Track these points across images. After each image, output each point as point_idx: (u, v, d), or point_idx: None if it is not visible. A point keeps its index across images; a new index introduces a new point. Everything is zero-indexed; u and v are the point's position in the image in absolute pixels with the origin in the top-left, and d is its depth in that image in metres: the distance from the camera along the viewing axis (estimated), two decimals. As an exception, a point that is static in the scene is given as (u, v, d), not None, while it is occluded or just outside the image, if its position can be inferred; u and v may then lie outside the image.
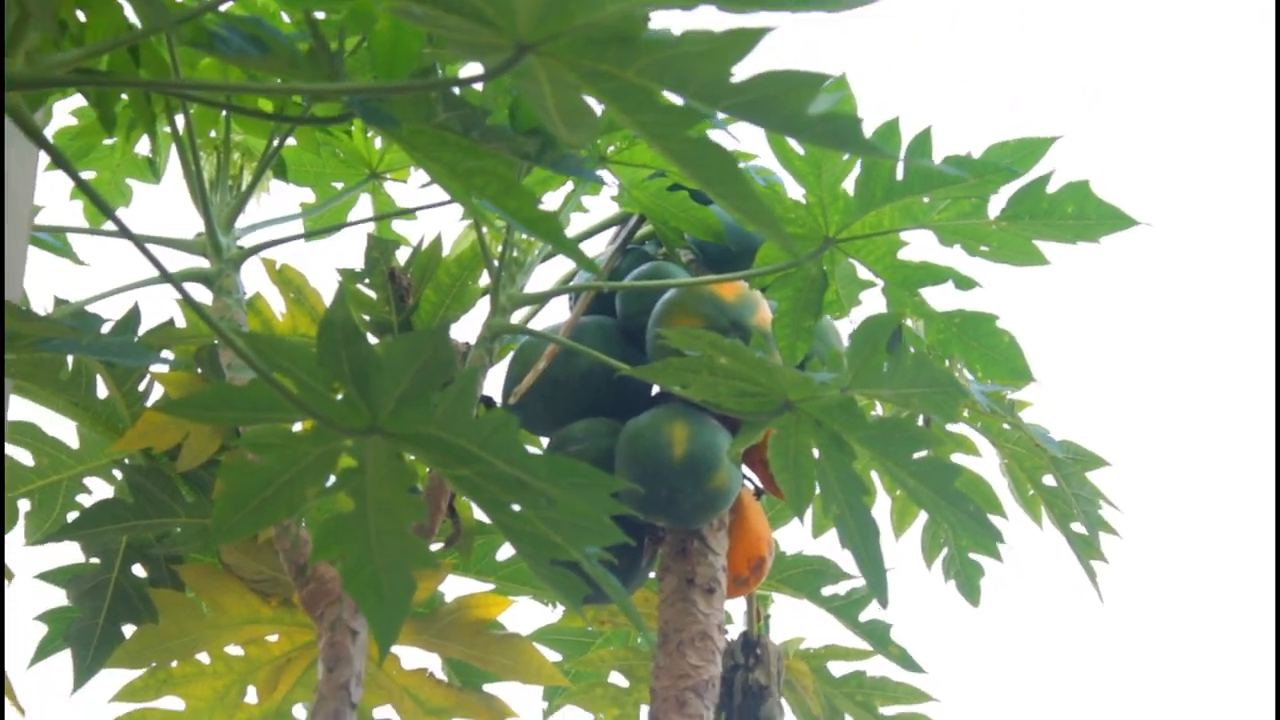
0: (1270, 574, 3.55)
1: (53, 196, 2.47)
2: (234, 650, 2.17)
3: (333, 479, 1.45)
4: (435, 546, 2.13)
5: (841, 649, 2.45)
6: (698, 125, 1.16)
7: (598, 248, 2.42)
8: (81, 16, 1.52)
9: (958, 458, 2.27)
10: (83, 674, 2.15)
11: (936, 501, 1.78)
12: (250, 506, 1.44)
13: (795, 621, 2.54)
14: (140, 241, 1.44)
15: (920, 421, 2.13)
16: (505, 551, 2.32)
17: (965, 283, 2.01)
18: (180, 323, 2.13)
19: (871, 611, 2.42)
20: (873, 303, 2.08)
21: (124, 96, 2.01)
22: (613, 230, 2.43)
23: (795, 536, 3.00)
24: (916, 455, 1.74)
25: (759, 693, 2.26)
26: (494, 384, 2.27)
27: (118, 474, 2.19)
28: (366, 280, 2.18)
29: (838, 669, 2.46)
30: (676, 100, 1.15)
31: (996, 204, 1.91)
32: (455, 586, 2.25)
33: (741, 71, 1.10)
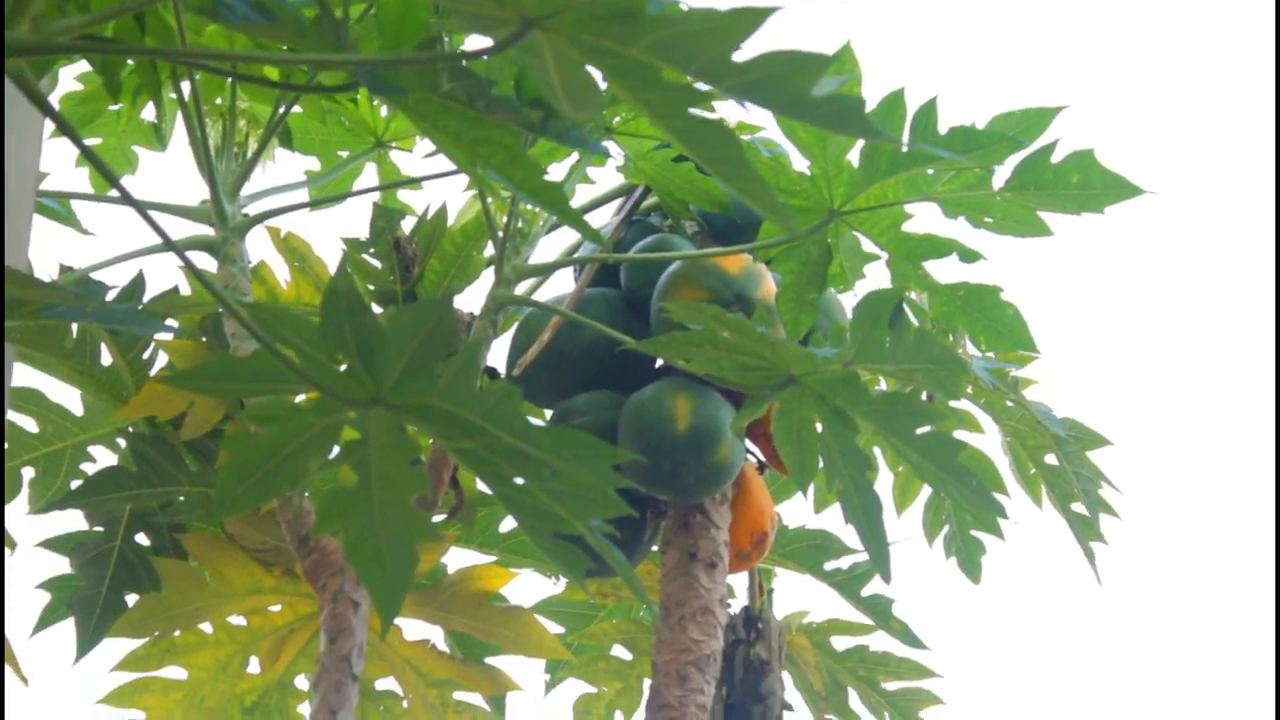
0: (1270, 567, 3.55)
1: (58, 163, 2.47)
2: (236, 620, 2.17)
3: (336, 451, 1.45)
4: (438, 519, 2.13)
5: (844, 624, 2.45)
6: (701, 103, 1.15)
7: (603, 219, 2.42)
8: (87, -18, 1.52)
9: (960, 434, 2.27)
10: (85, 643, 2.15)
11: (940, 476, 1.77)
12: (254, 478, 1.44)
13: (798, 596, 2.54)
14: (144, 209, 1.44)
15: (923, 397, 2.13)
16: (508, 524, 2.33)
17: (969, 255, 2.00)
18: (185, 291, 2.13)
19: (874, 587, 2.42)
20: (877, 276, 2.09)
21: (129, 63, 2.01)
22: (618, 202, 2.42)
23: (798, 511, 3.00)
24: (920, 430, 1.74)
25: (760, 668, 2.26)
26: (498, 355, 2.27)
27: (121, 442, 2.19)
28: (371, 250, 2.18)
29: (840, 644, 2.46)
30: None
31: (1001, 175, 1.90)
32: (458, 559, 2.26)
33: (745, 51, 1.10)
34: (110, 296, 1.88)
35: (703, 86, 1.14)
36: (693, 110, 1.16)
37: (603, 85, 1.20)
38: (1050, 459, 2.17)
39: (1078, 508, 2.16)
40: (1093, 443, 2.13)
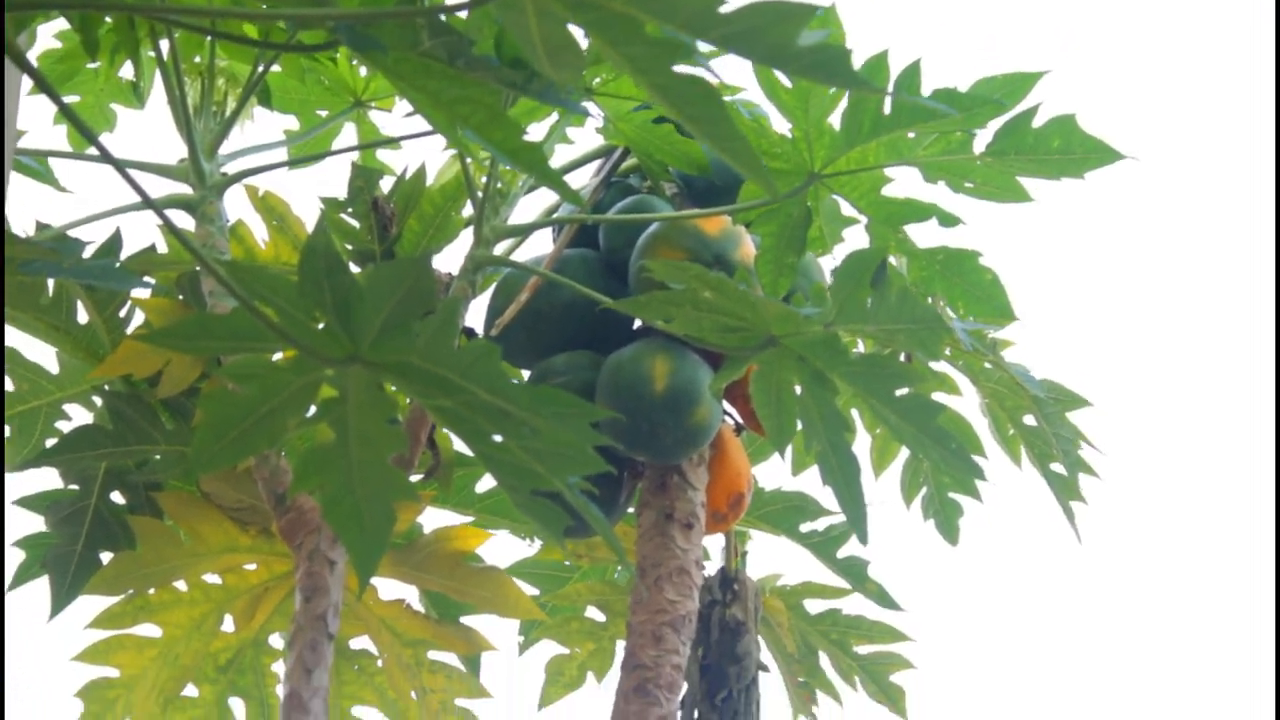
0: (1270, 559, 3.56)
1: (35, 121, 2.46)
2: (212, 578, 2.16)
3: (313, 409, 1.45)
4: (415, 478, 2.12)
5: (818, 586, 2.45)
6: (684, 58, 1.15)
7: (582, 181, 2.41)
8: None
9: (939, 396, 2.27)
10: (60, 600, 2.15)
11: (919, 438, 1.78)
12: (230, 436, 1.44)
13: (773, 558, 2.54)
14: (123, 166, 1.43)
15: (902, 358, 2.13)
16: (485, 484, 2.32)
17: (949, 220, 2.00)
18: (162, 249, 2.12)
19: (849, 549, 2.42)
20: (856, 240, 2.08)
21: (108, 20, 2.00)
22: (597, 163, 2.42)
23: (774, 472, 3.00)
24: (899, 392, 1.74)
25: (736, 629, 2.27)
26: (476, 315, 2.27)
27: (98, 400, 2.18)
28: (349, 209, 2.17)
29: (814, 606, 2.46)
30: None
31: (982, 140, 1.90)
32: (434, 519, 2.26)
33: (730, 4, 1.09)
34: (87, 253, 1.87)
35: (689, 42, 1.13)
36: (676, 67, 1.16)
37: (584, 44, 1.20)
38: (1029, 420, 2.17)
39: (1057, 468, 2.16)
40: (1072, 403, 2.13)
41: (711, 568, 2.32)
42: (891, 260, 2.12)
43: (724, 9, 1.09)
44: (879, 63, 1.84)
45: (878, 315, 1.70)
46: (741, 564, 2.42)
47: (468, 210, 2.18)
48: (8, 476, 2.16)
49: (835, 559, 2.44)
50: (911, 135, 1.91)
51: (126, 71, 2.36)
